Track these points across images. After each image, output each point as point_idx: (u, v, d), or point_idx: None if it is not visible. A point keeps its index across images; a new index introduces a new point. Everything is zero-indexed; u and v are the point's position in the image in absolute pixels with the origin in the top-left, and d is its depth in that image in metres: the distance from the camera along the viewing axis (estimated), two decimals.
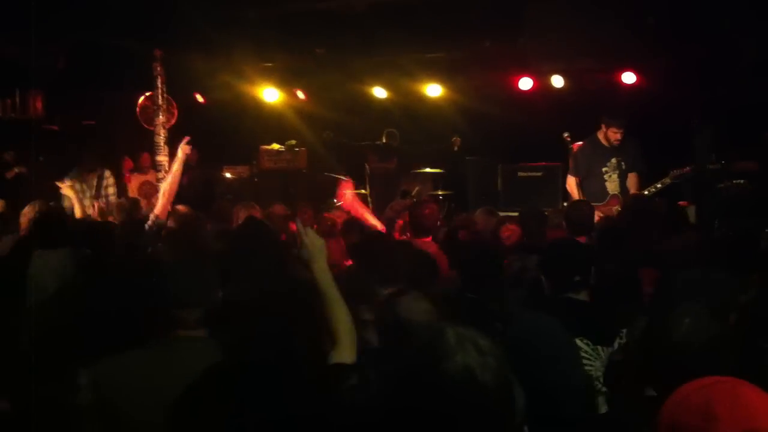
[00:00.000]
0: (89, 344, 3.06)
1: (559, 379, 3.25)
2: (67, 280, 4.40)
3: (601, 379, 3.62)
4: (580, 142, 8.68)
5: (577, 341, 3.60)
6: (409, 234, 6.29)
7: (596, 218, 6.97)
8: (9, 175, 9.80)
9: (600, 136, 8.39)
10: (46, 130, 10.67)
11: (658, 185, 8.08)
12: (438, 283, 4.46)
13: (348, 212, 7.06)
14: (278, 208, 7.13)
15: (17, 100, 10.24)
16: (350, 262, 5.44)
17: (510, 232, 5.79)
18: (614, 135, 8.22)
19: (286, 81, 11.11)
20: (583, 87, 9.82)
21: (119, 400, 2.80)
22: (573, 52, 8.94)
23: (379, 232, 6.28)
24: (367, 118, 11.15)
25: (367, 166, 11.16)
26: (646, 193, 8.10)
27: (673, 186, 8.37)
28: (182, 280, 3.06)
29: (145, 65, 9.05)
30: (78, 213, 7.79)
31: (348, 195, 7.08)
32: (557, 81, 9.88)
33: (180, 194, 6.58)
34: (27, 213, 6.46)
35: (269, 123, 11.76)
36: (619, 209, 7.96)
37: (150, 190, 10.17)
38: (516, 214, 6.88)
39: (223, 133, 11.65)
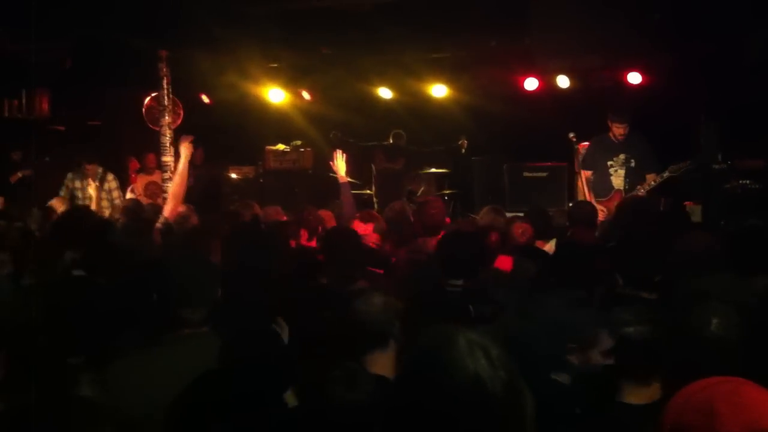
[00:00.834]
0: (95, 343, 3.06)
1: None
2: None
3: None
4: (586, 142, 8.69)
5: None
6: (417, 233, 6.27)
7: (599, 214, 7.00)
8: (12, 179, 9.85)
9: (610, 132, 8.44)
10: (51, 131, 10.70)
11: (658, 179, 8.09)
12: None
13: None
14: (272, 211, 7.08)
15: (23, 100, 10.26)
16: None
17: (523, 229, 5.78)
18: (618, 130, 8.28)
19: (291, 81, 11.11)
20: (589, 87, 9.81)
21: (126, 399, 2.80)
22: (579, 50, 8.93)
23: (345, 227, 6.32)
24: (373, 118, 11.14)
25: (373, 167, 11.15)
26: (642, 190, 8.09)
27: (679, 186, 8.37)
28: (188, 278, 3.06)
29: (151, 64, 9.06)
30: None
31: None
32: (563, 81, 9.87)
33: (185, 195, 6.58)
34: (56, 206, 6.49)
35: (275, 123, 11.77)
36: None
37: (156, 191, 10.18)
38: (522, 214, 6.89)
39: (228, 133, 11.67)
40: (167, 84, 9.12)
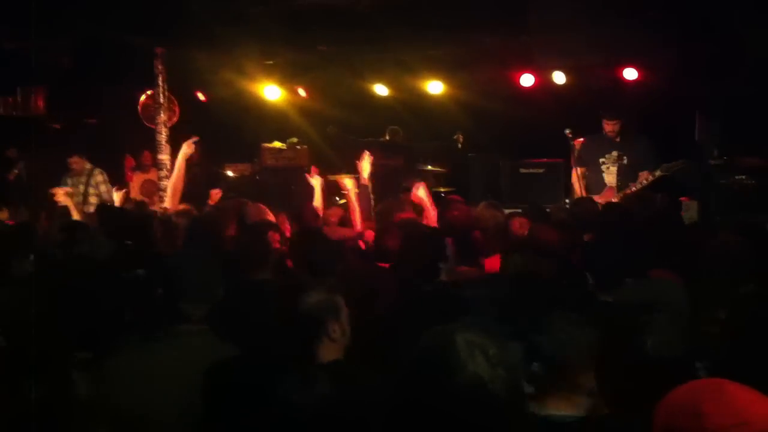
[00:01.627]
0: (95, 338, 3.06)
1: None
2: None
3: None
4: (582, 138, 8.70)
5: None
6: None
7: None
8: (11, 176, 9.84)
9: (603, 129, 8.48)
10: (47, 128, 10.68)
11: (650, 178, 8.08)
12: None
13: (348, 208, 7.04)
14: (254, 210, 6.97)
15: (19, 97, 10.24)
16: None
17: (521, 222, 5.81)
18: (608, 127, 8.35)
19: (287, 78, 11.10)
20: (585, 83, 9.82)
21: (123, 395, 2.80)
22: (576, 47, 8.94)
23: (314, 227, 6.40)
24: (369, 115, 11.14)
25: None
26: (633, 188, 8.09)
27: (676, 182, 8.36)
28: (191, 274, 3.06)
29: (147, 62, 9.04)
30: (76, 217, 7.80)
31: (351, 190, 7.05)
32: (559, 77, 9.88)
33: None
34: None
35: (271, 121, 11.76)
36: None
37: (151, 189, 10.17)
38: (520, 210, 6.89)
39: (224, 130, 11.65)
40: (163, 81, 9.10)
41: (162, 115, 9.11)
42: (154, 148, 9.38)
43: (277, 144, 11.59)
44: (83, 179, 9.29)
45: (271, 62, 10.63)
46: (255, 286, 4.04)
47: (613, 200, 8.03)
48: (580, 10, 8.42)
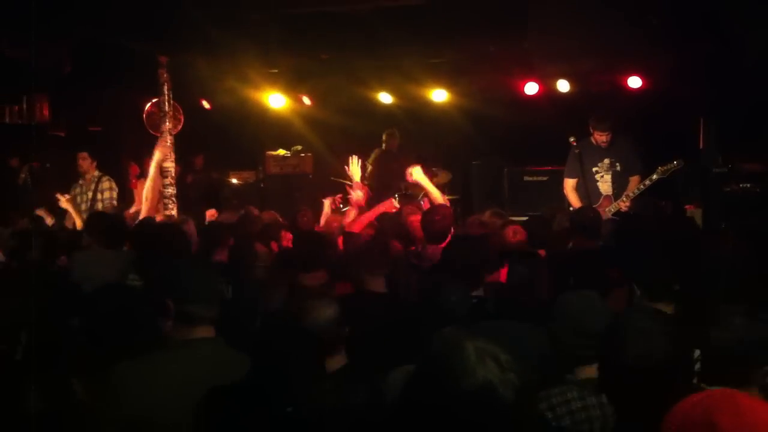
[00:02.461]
0: (104, 346, 3.06)
1: None
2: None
3: None
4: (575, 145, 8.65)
5: None
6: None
7: None
8: (20, 181, 9.88)
9: (592, 138, 8.42)
10: (52, 136, 10.71)
11: (647, 182, 8.02)
12: None
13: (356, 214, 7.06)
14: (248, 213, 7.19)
15: (24, 106, 10.26)
16: None
17: (515, 230, 5.81)
18: (600, 137, 8.29)
19: (291, 86, 11.12)
20: (589, 91, 9.82)
21: (128, 403, 2.79)
22: (577, 53, 8.93)
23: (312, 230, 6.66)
24: (373, 122, 11.15)
25: (371, 168, 11.13)
26: (630, 194, 8.05)
27: (679, 189, 8.36)
28: (199, 276, 3.06)
29: (151, 70, 9.06)
30: (78, 224, 7.83)
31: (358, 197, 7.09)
32: (563, 86, 9.88)
33: (185, 198, 6.58)
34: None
35: (275, 128, 11.78)
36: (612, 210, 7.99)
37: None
38: (523, 219, 6.90)
39: (229, 138, 11.68)
40: (168, 90, 9.12)
41: (167, 123, 9.12)
42: None
43: (281, 151, 11.63)
44: (91, 186, 9.31)
45: (275, 70, 10.65)
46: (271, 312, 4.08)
47: (622, 209, 7.99)
48: (580, 16, 8.43)
